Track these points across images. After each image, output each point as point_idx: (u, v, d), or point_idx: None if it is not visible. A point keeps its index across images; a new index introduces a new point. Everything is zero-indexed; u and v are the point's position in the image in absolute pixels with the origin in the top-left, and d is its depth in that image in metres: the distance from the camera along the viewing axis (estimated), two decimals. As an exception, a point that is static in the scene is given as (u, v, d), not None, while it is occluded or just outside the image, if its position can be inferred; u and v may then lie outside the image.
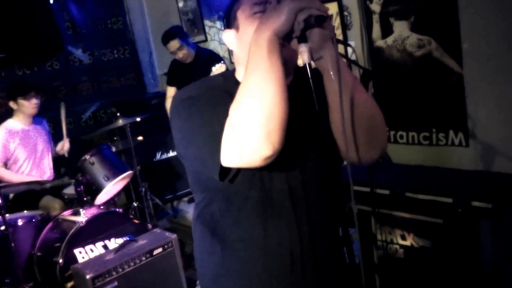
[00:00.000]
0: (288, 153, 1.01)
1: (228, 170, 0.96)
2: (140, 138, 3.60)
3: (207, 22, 4.31)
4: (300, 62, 0.95)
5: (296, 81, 1.07)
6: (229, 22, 1.09)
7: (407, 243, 2.23)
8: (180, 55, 3.46)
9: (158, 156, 4.32)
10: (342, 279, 1.16)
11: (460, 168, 2.51)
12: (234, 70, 1.13)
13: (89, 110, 4.75)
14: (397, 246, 2.29)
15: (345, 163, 1.04)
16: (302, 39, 0.88)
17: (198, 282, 1.28)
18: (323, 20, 0.87)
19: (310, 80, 0.89)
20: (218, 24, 4.19)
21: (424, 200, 2.12)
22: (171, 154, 4.39)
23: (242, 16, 1.04)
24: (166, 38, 3.43)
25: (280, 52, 0.87)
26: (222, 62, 2.97)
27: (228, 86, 1.04)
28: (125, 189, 3.50)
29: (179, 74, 3.65)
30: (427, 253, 2.16)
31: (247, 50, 0.93)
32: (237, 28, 1.06)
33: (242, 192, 1.03)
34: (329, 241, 1.12)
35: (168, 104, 3.73)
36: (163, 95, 4.60)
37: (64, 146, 3.43)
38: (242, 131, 0.85)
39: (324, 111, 1.02)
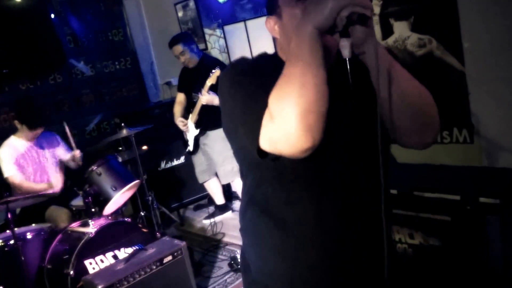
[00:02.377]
0: (339, 139, 1.01)
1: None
2: (144, 147, 3.62)
3: (207, 31, 4.34)
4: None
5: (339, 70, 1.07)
6: (271, 9, 1.09)
7: (416, 241, 2.23)
8: (182, 59, 3.65)
9: (162, 165, 4.34)
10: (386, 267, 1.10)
11: (465, 165, 2.51)
12: (276, 52, 1.12)
13: (93, 122, 4.77)
14: (406, 245, 2.28)
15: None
16: (345, 34, 0.89)
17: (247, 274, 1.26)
18: (365, 18, 0.87)
19: (349, 74, 0.89)
20: (218, 32, 4.22)
21: (432, 198, 2.12)
22: (176, 162, 4.41)
23: (284, 3, 1.04)
24: (171, 42, 3.68)
25: (321, 46, 0.87)
26: (218, 67, 3.30)
27: (278, 67, 1.00)
28: (132, 199, 3.51)
29: (185, 80, 3.83)
30: (436, 251, 2.15)
31: (291, 37, 0.92)
32: (279, 16, 1.06)
33: (293, 169, 1.01)
34: (377, 228, 1.05)
35: (176, 108, 3.87)
36: (165, 104, 4.65)
37: (75, 155, 3.45)
38: (280, 124, 0.86)
39: (368, 100, 1.02)
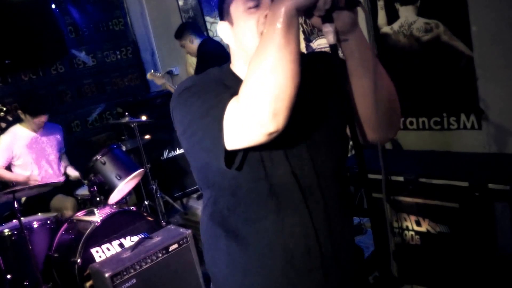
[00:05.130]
0: (293, 141, 1.01)
1: (233, 156, 0.93)
2: (147, 136, 3.60)
3: (208, 19, 4.29)
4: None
5: (304, 65, 1.07)
6: (222, 14, 1.07)
7: (423, 229, 2.22)
8: (185, 51, 3.70)
9: (165, 154, 4.33)
10: (357, 271, 1.14)
11: (473, 152, 2.49)
12: (229, 63, 1.11)
13: (95, 112, 4.77)
14: (413, 233, 2.28)
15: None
16: (328, 19, 0.82)
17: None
18: (354, 4, 0.80)
19: (337, 61, 0.86)
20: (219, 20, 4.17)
21: (440, 185, 2.11)
22: (178, 152, 4.40)
23: (235, 11, 1.01)
24: None
25: (297, 28, 0.82)
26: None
27: (224, 77, 1.03)
28: (135, 188, 3.51)
29: None
30: (444, 238, 2.15)
31: (243, 44, 0.94)
32: (231, 22, 1.03)
33: (248, 186, 1.01)
34: (345, 230, 1.10)
35: None
36: (167, 94, 4.62)
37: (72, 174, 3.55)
38: (248, 105, 0.82)
39: (336, 96, 1.01)
